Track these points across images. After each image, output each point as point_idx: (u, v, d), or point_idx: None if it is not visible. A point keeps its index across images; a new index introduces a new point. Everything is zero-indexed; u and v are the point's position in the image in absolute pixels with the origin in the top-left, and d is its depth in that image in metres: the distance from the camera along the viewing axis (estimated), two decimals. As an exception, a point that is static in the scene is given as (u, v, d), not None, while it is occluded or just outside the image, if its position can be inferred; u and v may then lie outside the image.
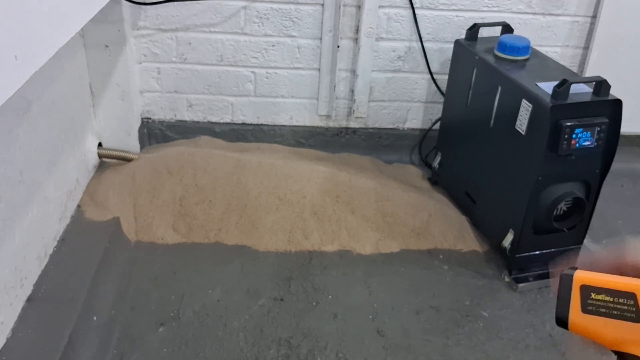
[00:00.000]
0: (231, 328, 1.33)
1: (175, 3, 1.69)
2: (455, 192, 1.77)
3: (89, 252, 1.42)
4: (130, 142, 1.78)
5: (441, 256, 1.60)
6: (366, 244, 1.61)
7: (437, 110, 1.91)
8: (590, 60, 1.88)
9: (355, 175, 1.77)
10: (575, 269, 0.48)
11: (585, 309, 0.46)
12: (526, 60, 1.54)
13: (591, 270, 0.47)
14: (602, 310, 0.46)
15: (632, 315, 0.44)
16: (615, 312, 0.45)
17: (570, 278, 0.47)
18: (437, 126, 1.89)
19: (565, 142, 1.32)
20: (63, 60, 1.46)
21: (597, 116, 1.34)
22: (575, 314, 0.47)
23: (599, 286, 0.46)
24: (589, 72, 1.88)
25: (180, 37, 1.76)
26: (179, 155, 1.75)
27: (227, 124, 1.92)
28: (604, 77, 1.34)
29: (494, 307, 1.45)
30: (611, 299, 0.45)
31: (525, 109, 1.37)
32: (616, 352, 0.46)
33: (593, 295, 0.46)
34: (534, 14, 1.82)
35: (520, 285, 1.50)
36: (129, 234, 1.56)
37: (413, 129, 1.98)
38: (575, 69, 1.89)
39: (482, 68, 1.56)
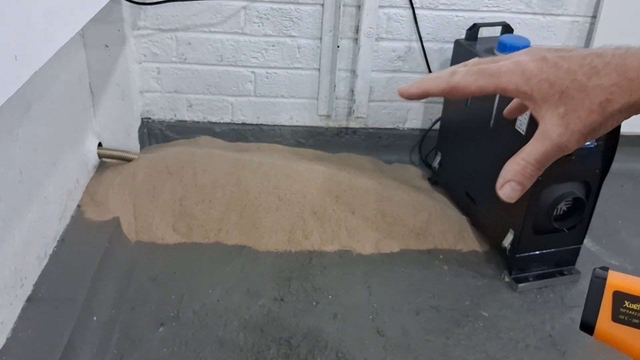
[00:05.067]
0: (231, 328, 1.33)
1: (175, 3, 1.69)
2: (455, 192, 1.77)
3: (89, 252, 1.42)
4: (130, 142, 1.79)
5: (441, 256, 1.60)
6: (366, 244, 1.61)
7: (437, 110, 1.91)
8: (590, 60, 1.88)
9: (355, 175, 1.77)
10: (607, 269, 0.44)
11: (616, 318, 0.42)
12: (526, 60, 1.53)
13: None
14: (635, 321, 0.42)
15: None
16: None
17: (602, 282, 0.43)
18: (437, 126, 1.89)
19: (565, 142, 1.31)
20: (63, 60, 1.46)
21: (597, 116, 1.33)
22: (604, 321, 0.43)
23: (635, 294, 0.42)
24: (589, 72, 1.88)
25: (180, 37, 1.76)
26: (179, 155, 1.75)
27: (227, 124, 1.92)
28: (604, 77, 1.34)
29: (494, 307, 1.45)
30: None
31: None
32: None
33: (627, 303, 0.42)
34: (534, 14, 1.82)
35: (520, 285, 1.50)
36: (129, 234, 1.56)
37: (413, 129, 1.98)
38: (575, 69, 1.89)
39: (482, 68, 1.55)
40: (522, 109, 0.54)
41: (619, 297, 0.43)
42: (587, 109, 0.40)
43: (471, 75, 0.44)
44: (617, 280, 0.43)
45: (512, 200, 0.45)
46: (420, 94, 0.47)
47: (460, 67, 0.45)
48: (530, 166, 0.44)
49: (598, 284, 0.43)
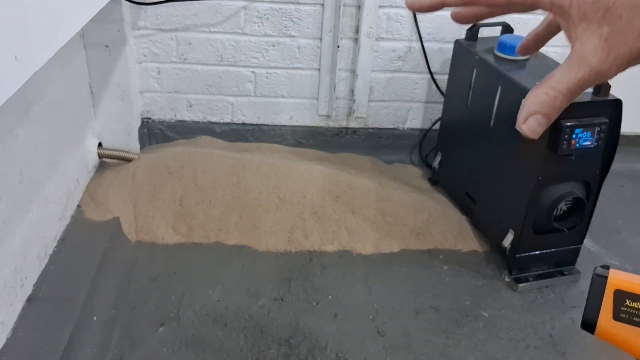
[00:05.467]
0: (231, 328, 1.33)
1: (175, 3, 1.69)
2: (455, 192, 1.77)
3: (89, 252, 1.42)
4: (130, 142, 1.79)
5: (441, 256, 1.60)
6: (366, 244, 1.61)
7: (437, 110, 1.91)
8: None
9: (355, 175, 1.77)
10: (608, 268, 0.44)
11: (617, 317, 0.43)
12: (526, 60, 1.54)
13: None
14: (637, 319, 0.42)
15: None
16: None
17: (603, 280, 0.43)
18: (437, 126, 1.89)
19: (565, 142, 1.32)
20: (63, 60, 1.46)
21: (597, 116, 1.34)
22: (605, 320, 0.43)
23: (636, 293, 0.42)
24: (589, 72, 1.87)
25: (180, 37, 1.76)
26: (179, 155, 1.75)
27: (227, 124, 1.92)
28: (604, 77, 1.34)
29: (494, 307, 1.45)
30: None
31: (525, 109, 1.36)
32: None
33: (628, 302, 0.42)
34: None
35: (520, 285, 1.50)
36: (129, 234, 1.56)
37: (413, 129, 1.98)
38: (575, 69, 1.89)
39: (482, 68, 1.56)
40: (543, 38, 0.46)
41: (620, 296, 0.42)
42: (636, 32, 0.34)
43: None
44: (618, 278, 0.43)
45: (536, 136, 0.39)
46: (434, 4, 0.41)
47: None
48: (561, 96, 0.38)
49: (599, 282, 0.43)
